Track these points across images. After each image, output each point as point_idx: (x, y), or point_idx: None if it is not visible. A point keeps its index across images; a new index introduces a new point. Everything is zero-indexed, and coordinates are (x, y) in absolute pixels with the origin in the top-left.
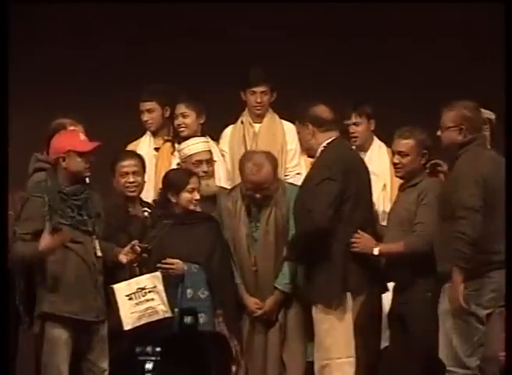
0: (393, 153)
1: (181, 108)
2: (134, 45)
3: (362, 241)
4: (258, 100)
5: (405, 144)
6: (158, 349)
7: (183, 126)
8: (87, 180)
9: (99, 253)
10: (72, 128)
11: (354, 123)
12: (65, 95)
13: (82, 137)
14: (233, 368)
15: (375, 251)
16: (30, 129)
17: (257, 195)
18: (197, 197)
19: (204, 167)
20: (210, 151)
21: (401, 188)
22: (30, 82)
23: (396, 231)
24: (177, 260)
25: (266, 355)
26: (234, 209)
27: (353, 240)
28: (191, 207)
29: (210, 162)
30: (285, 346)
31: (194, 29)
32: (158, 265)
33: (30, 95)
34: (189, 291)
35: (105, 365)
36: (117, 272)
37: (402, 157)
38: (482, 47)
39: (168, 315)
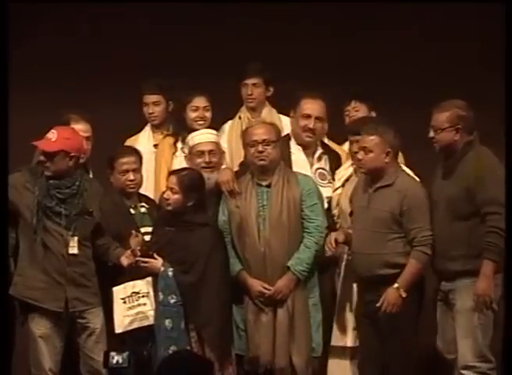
0: (358, 149)
1: (202, 102)
2: (134, 41)
3: (387, 300)
4: (249, 92)
5: (369, 140)
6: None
7: (205, 119)
8: (91, 174)
9: (73, 251)
10: (76, 125)
11: (354, 108)
12: (64, 92)
13: (49, 135)
14: None
15: (404, 295)
16: (29, 126)
17: (262, 160)
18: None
19: (206, 158)
20: (215, 142)
21: (371, 187)
22: (30, 79)
23: (368, 232)
24: (153, 260)
25: (274, 337)
26: (245, 191)
27: (379, 306)
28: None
29: (213, 153)
30: (292, 338)
31: (195, 23)
32: (137, 258)
33: (30, 92)
34: (160, 293)
35: (101, 358)
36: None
37: (366, 153)
38: (482, 47)
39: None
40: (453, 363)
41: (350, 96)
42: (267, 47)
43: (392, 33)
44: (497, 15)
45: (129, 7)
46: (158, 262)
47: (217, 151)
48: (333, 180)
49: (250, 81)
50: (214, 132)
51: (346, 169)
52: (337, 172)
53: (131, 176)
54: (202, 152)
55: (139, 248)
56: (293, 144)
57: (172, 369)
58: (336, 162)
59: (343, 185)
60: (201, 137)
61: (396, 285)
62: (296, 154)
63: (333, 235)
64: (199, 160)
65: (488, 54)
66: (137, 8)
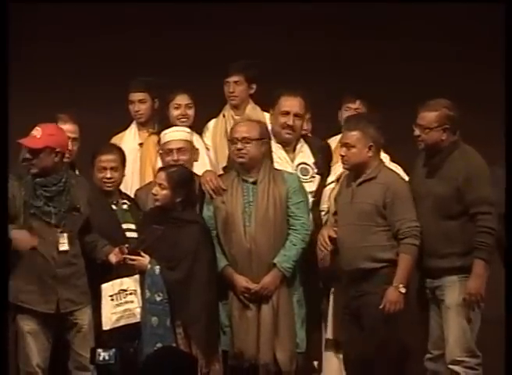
0: (341, 145)
1: (185, 99)
2: (123, 40)
3: (389, 300)
4: (230, 90)
5: (351, 135)
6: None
7: (187, 116)
8: (77, 172)
9: (63, 247)
10: (64, 125)
11: (357, 109)
12: (64, 92)
13: (34, 132)
14: None
15: (404, 291)
16: (29, 125)
17: (240, 158)
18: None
19: (174, 156)
20: (184, 140)
21: (355, 182)
22: (30, 79)
23: (353, 226)
24: (140, 257)
25: (259, 333)
26: (231, 187)
27: (382, 308)
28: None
29: (182, 151)
30: (276, 334)
31: (183, 22)
32: (124, 255)
33: (30, 92)
34: (146, 291)
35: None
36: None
37: (348, 149)
38: (482, 47)
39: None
40: (439, 358)
41: (356, 96)
42: (257, 46)
43: (392, 33)
44: (497, 15)
45: (119, 7)
46: (145, 260)
47: (187, 148)
48: (318, 174)
49: (231, 79)
50: (186, 130)
51: (341, 165)
52: (332, 168)
53: (108, 174)
54: (171, 150)
55: (127, 245)
56: (272, 142)
57: (157, 365)
58: (320, 148)
59: (337, 180)
60: (171, 134)
61: (394, 284)
62: (277, 152)
63: (325, 232)
64: (168, 158)
65: (488, 54)
66: (128, 9)
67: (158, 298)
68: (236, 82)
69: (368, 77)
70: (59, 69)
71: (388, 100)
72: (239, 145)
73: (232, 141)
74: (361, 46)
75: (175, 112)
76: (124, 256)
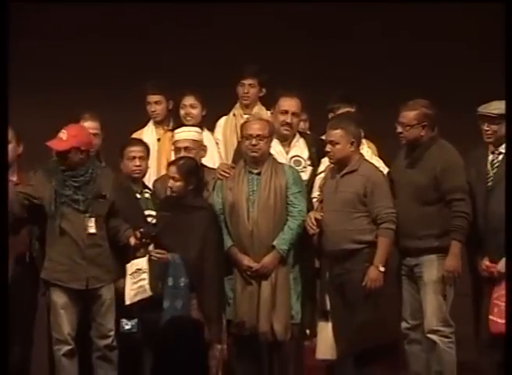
0: (326, 143)
1: (190, 100)
2: (133, 40)
3: (370, 278)
4: (245, 91)
5: (335, 133)
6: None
7: (191, 115)
8: (103, 163)
9: (91, 230)
10: (85, 122)
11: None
12: (63, 92)
13: (60, 135)
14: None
15: (382, 269)
16: (29, 126)
17: (254, 152)
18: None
19: (182, 154)
20: (191, 139)
21: (339, 174)
22: (30, 79)
23: (337, 212)
24: (164, 251)
25: (258, 306)
26: (238, 177)
27: (364, 285)
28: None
29: (188, 149)
30: (273, 307)
31: (196, 25)
32: (151, 253)
33: (30, 93)
34: (170, 279)
35: (111, 325)
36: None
37: (333, 146)
38: (482, 47)
39: (152, 293)
40: (416, 328)
41: (340, 100)
42: (257, 50)
43: (393, 33)
44: (497, 15)
45: (130, 7)
46: (166, 255)
47: (193, 147)
48: (311, 165)
49: (247, 81)
50: (195, 129)
51: None
52: (323, 160)
53: (137, 162)
54: (179, 149)
55: (141, 230)
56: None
57: (169, 332)
58: (315, 143)
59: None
60: (180, 134)
61: (374, 264)
62: (275, 146)
63: (312, 215)
64: (176, 155)
65: (488, 54)
66: (141, 11)
67: (182, 284)
68: (250, 85)
69: (369, 77)
70: (59, 69)
71: (388, 99)
72: (253, 141)
73: (246, 137)
74: (362, 46)
75: (182, 112)
76: (151, 254)
